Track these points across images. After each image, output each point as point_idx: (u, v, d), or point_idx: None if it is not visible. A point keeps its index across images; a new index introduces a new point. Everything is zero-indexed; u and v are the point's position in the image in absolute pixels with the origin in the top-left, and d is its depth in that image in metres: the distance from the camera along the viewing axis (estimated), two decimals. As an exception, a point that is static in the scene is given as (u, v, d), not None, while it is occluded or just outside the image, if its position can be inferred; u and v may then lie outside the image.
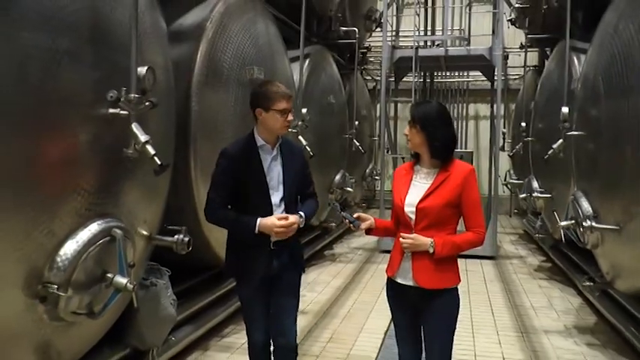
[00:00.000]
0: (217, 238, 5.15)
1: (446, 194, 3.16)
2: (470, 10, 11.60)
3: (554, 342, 5.55)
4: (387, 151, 12.30)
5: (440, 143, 3.17)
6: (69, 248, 2.78)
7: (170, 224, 4.12)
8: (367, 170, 13.01)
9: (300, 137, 6.55)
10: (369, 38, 13.16)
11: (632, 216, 4.59)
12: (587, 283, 5.64)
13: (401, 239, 3.18)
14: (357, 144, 10.55)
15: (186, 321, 5.03)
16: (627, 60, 4.51)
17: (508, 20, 11.75)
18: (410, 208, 3.20)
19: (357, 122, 10.50)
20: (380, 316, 6.26)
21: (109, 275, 2.99)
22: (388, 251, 10.02)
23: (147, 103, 2.98)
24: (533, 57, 12.35)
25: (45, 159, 2.64)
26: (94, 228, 2.93)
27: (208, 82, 4.95)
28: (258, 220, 3.37)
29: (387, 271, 3.36)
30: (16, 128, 2.47)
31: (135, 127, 2.94)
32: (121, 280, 2.98)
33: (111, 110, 2.89)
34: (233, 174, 3.45)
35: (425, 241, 3.13)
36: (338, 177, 9.52)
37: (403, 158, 15.31)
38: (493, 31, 10.43)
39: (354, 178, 10.73)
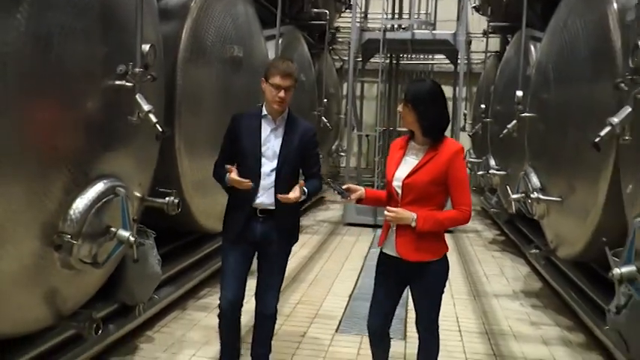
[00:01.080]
0: (198, 205, 5.54)
1: (431, 171, 3.23)
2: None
3: (502, 304, 6.13)
4: (353, 129, 12.76)
5: (430, 122, 3.24)
6: (80, 203, 3.15)
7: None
8: (333, 147, 13.46)
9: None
10: (339, 19, 13.55)
11: (573, 190, 5.16)
12: (534, 251, 6.24)
13: (385, 211, 3.26)
14: (325, 121, 10.97)
15: (167, 282, 5.38)
16: (573, 51, 5.04)
17: (473, 7, 12.29)
18: (397, 182, 3.29)
19: (325, 100, 10.90)
20: (344, 281, 6.75)
21: (113, 229, 3.37)
22: (352, 224, 10.60)
23: (148, 77, 3.35)
24: (495, 43, 12.91)
25: (63, 126, 3.01)
26: (100, 186, 3.30)
27: (192, 59, 5.27)
28: (227, 174, 3.54)
29: (378, 242, 3.53)
30: (40, 96, 2.83)
31: (139, 98, 3.31)
32: (124, 233, 3.37)
33: (118, 82, 3.25)
34: (234, 136, 3.70)
35: (408, 215, 3.19)
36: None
37: (367, 136, 15.92)
38: (458, 17, 10.93)
39: (322, 153, 11.15)
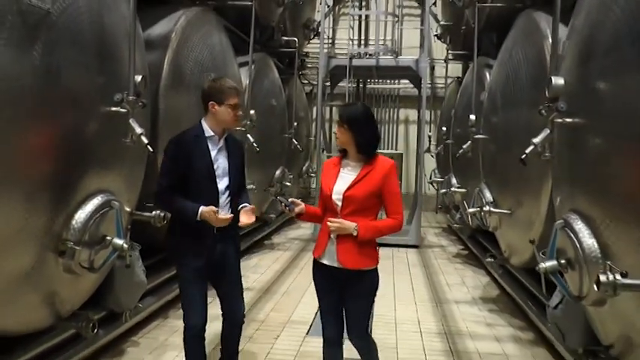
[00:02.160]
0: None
1: (369, 185, 3.47)
2: (401, 24, 12.71)
3: (461, 309, 6.64)
4: (323, 151, 13.28)
5: (365, 140, 3.49)
6: (81, 215, 3.58)
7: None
8: (304, 168, 13.95)
9: (248, 135, 7.44)
10: (307, 45, 14.14)
11: (520, 203, 5.73)
12: (489, 259, 6.78)
13: (328, 223, 3.44)
14: (296, 143, 11.46)
15: (149, 292, 5.76)
16: (516, 80, 5.65)
17: (435, 35, 13.00)
18: (337, 195, 3.50)
19: (295, 123, 11.42)
20: (313, 293, 7.10)
21: (109, 238, 3.79)
22: None
23: (140, 104, 3.81)
24: (458, 69, 13.65)
25: (68, 148, 3.45)
26: (97, 200, 3.73)
27: (173, 86, 5.74)
28: (200, 208, 3.51)
29: (313, 253, 3.67)
30: (51, 122, 3.28)
31: (132, 122, 3.77)
32: (119, 241, 3.79)
33: (114, 108, 3.71)
34: (182, 161, 3.59)
35: (350, 225, 3.41)
36: (278, 172, 10.41)
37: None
38: (421, 45, 11.58)
39: (292, 174, 11.64)
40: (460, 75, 13.54)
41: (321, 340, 3.80)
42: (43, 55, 3.15)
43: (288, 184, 10.70)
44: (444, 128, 11.14)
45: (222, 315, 3.98)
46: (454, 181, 9.89)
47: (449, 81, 13.82)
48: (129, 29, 3.85)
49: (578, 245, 3.21)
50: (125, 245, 3.80)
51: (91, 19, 3.67)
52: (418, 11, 14.70)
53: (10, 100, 2.97)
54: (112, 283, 4.73)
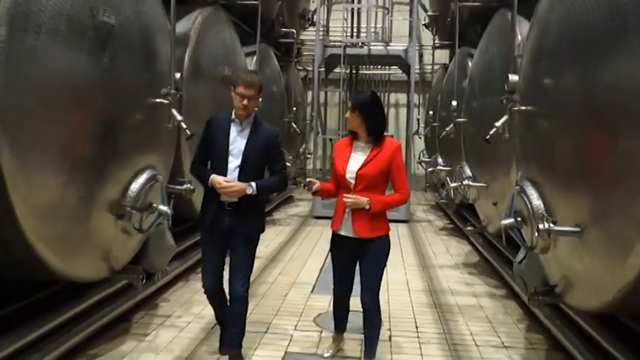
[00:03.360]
0: (197, 195, 6.84)
1: (379, 164, 3.86)
2: (391, 16, 13.54)
3: (445, 272, 7.58)
4: (318, 134, 14.15)
5: (373, 124, 3.89)
6: (134, 186, 4.46)
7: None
8: (300, 150, 14.82)
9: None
10: (303, 33, 14.95)
11: (495, 178, 6.64)
12: (469, 228, 7.71)
13: (344, 198, 3.87)
14: (295, 126, 12.32)
15: (174, 258, 6.64)
16: (490, 70, 6.53)
17: (423, 24, 13.84)
18: (350, 174, 3.91)
19: (294, 108, 12.28)
20: (315, 259, 8.09)
21: (154, 205, 4.67)
22: (320, 217, 12.10)
23: (178, 96, 4.68)
24: (445, 55, 14.49)
25: (125, 132, 4.33)
26: (146, 174, 4.61)
27: (193, 77, 6.57)
28: (212, 175, 3.97)
29: (331, 226, 4.11)
30: (111, 111, 4.15)
31: (173, 111, 4.64)
32: (163, 208, 4.67)
33: (158, 100, 4.58)
34: (207, 139, 4.11)
35: (363, 200, 3.83)
36: (278, 154, 11.26)
37: (331, 140, 17.35)
38: (410, 34, 12.43)
39: (291, 155, 12.51)
40: (447, 61, 14.41)
41: (324, 296, 4.58)
42: (109, 59, 4.01)
43: (288, 164, 11.54)
44: (431, 112, 12.04)
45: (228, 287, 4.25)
46: (440, 160, 10.82)
47: (436, 67, 14.67)
48: (170, 36, 4.70)
49: (529, 205, 4.12)
50: (169, 211, 4.67)
51: (139, 28, 4.53)
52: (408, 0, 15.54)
53: (87, 94, 3.84)
54: (147, 247, 5.60)
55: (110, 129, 4.19)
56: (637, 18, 3.00)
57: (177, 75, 4.64)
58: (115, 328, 4.98)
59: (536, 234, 3.67)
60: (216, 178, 3.95)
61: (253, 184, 3.97)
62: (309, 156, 15.06)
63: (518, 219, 4.30)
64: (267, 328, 5.22)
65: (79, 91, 3.81)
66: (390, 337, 5.07)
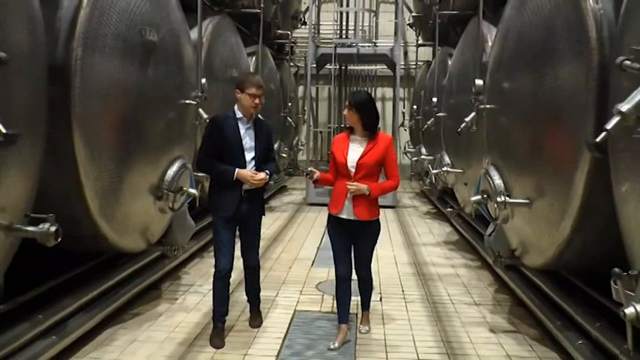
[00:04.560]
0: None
1: (376, 155, 4.37)
2: (377, 18, 14.50)
3: (428, 249, 8.60)
4: (311, 127, 15.11)
5: (369, 120, 4.39)
6: (170, 171, 5.42)
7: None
8: (293, 142, 15.79)
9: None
10: (295, 32, 15.89)
11: (469, 165, 7.65)
12: (449, 210, 8.73)
13: (347, 185, 4.35)
14: (290, 120, 13.29)
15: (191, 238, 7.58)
16: (466, 73, 7.52)
17: (408, 24, 14.82)
18: (351, 163, 4.40)
19: (289, 104, 13.24)
20: (312, 240, 9.07)
21: (185, 188, 5.63)
22: (314, 204, 13.15)
23: (204, 98, 5.64)
24: (429, 51, 15.46)
25: (165, 128, 5.30)
26: (178, 162, 5.57)
27: (207, 79, 7.50)
28: (236, 169, 4.45)
29: (331, 209, 4.54)
30: (155, 111, 5.11)
31: (200, 110, 5.60)
32: (192, 191, 5.63)
33: (188, 101, 5.54)
34: (216, 136, 4.55)
35: (364, 186, 4.33)
36: (276, 146, 12.22)
37: (321, 132, 18.32)
38: (395, 33, 13.40)
39: (286, 147, 13.48)
40: (430, 58, 15.41)
41: (323, 269, 5.39)
42: (152, 69, 4.97)
43: (284, 155, 12.52)
44: (415, 106, 13.03)
45: (243, 261, 4.94)
46: (423, 150, 11.83)
47: (420, 64, 15.66)
48: (197, 47, 5.65)
49: (492, 184, 5.14)
50: (197, 193, 5.62)
51: (172, 42, 5.48)
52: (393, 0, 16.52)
53: (138, 98, 4.80)
54: (171, 225, 6.54)
55: (153, 126, 5.15)
56: (564, 40, 4.02)
57: (203, 80, 5.59)
58: (149, 295, 5.91)
59: (496, 206, 4.69)
60: (245, 172, 4.47)
61: (267, 171, 4.62)
62: (301, 147, 16.02)
63: (485, 196, 5.30)
64: (277, 293, 6.19)
65: (132, 95, 4.76)
66: (380, 298, 6.06)
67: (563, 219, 4.12)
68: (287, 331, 5.06)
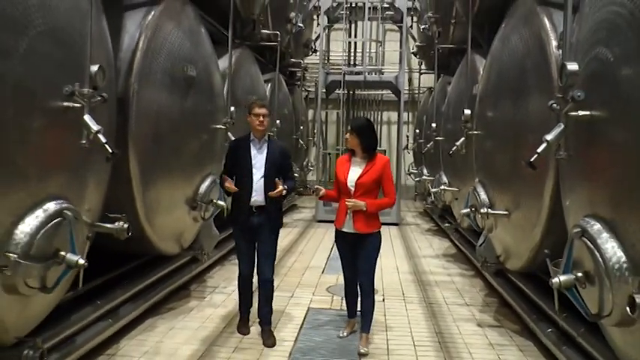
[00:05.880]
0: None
1: (373, 175, 4.79)
2: (383, 48, 15.49)
3: (427, 260, 9.43)
4: (320, 149, 16.03)
5: (368, 144, 4.84)
6: (203, 186, 6.31)
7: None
8: (304, 163, 16.69)
9: (275, 137, 10.20)
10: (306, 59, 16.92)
11: (464, 184, 8.52)
12: (447, 225, 9.58)
13: (346, 202, 4.78)
14: (302, 142, 14.21)
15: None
16: (459, 102, 8.43)
17: (412, 52, 15.79)
18: (351, 182, 4.84)
19: (301, 127, 14.18)
20: (322, 252, 9.91)
21: (214, 200, 6.50)
22: (322, 221, 14.10)
23: (233, 123, 6.55)
24: (432, 79, 16.39)
25: (198, 149, 6.22)
26: (210, 179, 6.46)
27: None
28: (222, 177, 5.07)
29: (335, 224, 5.01)
30: (192, 135, 6.04)
31: (229, 133, 6.51)
32: (221, 203, 6.50)
33: (217, 126, 6.45)
34: (231, 156, 5.13)
35: (361, 203, 4.75)
36: (288, 166, 13.15)
37: (329, 154, 19.23)
38: (400, 61, 14.34)
39: (297, 167, 14.38)
40: (433, 84, 16.35)
41: (332, 276, 6.22)
42: (191, 99, 5.90)
43: (296, 175, 13.38)
44: (417, 130, 13.94)
45: (257, 274, 5.25)
46: (425, 171, 12.72)
47: (423, 89, 16.62)
48: (227, 81, 6.58)
49: (478, 199, 6.00)
50: (224, 205, 6.49)
51: (206, 75, 6.42)
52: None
53: (180, 124, 5.72)
54: (199, 234, 7.39)
55: (190, 146, 6.06)
56: (533, 77, 4.92)
57: (232, 108, 6.52)
58: (180, 294, 6.76)
59: (480, 217, 5.56)
60: (226, 181, 5.01)
61: (286, 186, 5.00)
62: (311, 168, 16.93)
63: (472, 209, 6.16)
64: (292, 294, 7.03)
65: (174, 121, 5.68)
66: (383, 299, 6.89)
67: (535, 227, 4.97)
68: (302, 323, 5.89)
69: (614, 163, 2.94)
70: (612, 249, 2.79)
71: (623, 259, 2.73)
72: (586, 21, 3.42)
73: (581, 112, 3.21)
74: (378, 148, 5.17)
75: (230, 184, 4.97)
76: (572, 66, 3.26)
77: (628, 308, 2.35)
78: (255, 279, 5.34)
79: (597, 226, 3.00)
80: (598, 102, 3.11)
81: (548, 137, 3.38)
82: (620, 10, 2.85)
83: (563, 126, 3.35)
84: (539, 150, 3.45)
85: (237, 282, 5.45)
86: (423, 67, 15.92)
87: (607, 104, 3.01)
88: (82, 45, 3.54)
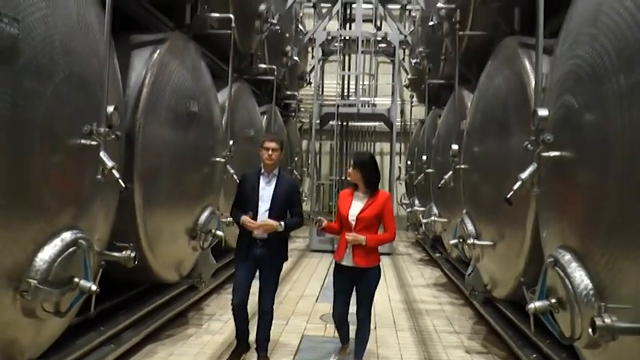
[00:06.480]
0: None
1: (374, 210, 4.83)
2: (376, 81, 15.95)
3: (418, 290, 9.67)
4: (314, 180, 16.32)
5: (370, 179, 4.87)
6: (202, 216, 6.58)
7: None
8: (298, 193, 16.98)
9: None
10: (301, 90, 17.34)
11: (454, 215, 8.81)
12: (437, 255, 9.85)
13: (346, 236, 4.80)
14: (297, 173, 14.51)
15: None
16: (449, 135, 8.78)
17: (404, 85, 16.24)
18: (352, 217, 4.88)
19: (296, 158, 14.50)
20: (316, 281, 10.13)
21: (213, 231, 6.77)
22: (317, 251, 14.47)
23: (231, 157, 6.85)
24: (423, 110, 16.83)
25: (200, 180, 6.52)
26: (210, 209, 6.74)
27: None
28: (242, 216, 5.04)
29: (335, 257, 5.04)
30: (195, 166, 6.34)
31: (228, 166, 6.81)
32: (220, 233, 6.77)
33: (217, 159, 6.76)
34: (240, 189, 5.30)
35: (361, 237, 4.77)
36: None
37: (323, 184, 19.55)
38: (393, 93, 14.77)
39: (292, 198, 14.65)
40: (424, 116, 16.75)
41: (326, 304, 6.11)
42: (194, 133, 6.21)
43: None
44: (409, 162, 14.28)
45: (257, 304, 5.34)
46: (417, 202, 13.01)
47: (415, 121, 17.02)
48: (227, 117, 6.91)
49: (465, 230, 6.30)
50: (222, 235, 6.75)
51: (207, 110, 6.74)
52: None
53: (182, 157, 6.03)
54: (197, 262, 7.63)
55: (191, 179, 6.35)
56: (514, 115, 5.27)
57: (231, 142, 6.84)
58: (178, 321, 6.96)
59: (467, 247, 5.85)
60: (244, 218, 5.01)
61: (282, 222, 5.04)
62: (304, 198, 17.20)
63: (460, 239, 6.45)
64: (287, 322, 7.24)
65: (176, 154, 5.98)
66: (375, 327, 7.11)
67: (518, 257, 5.25)
68: (297, 349, 6.12)
69: (580, 200, 3.26)
70: (580, 277, 3.09)
71: (590, 286, 3.02)
72: (557, 69, 3.76)
73: (552, 153, 3.54)
74: None
75: (246, 219, 5.01)
76: (543, 112, 3.59)
77: (590, 330, 2.62)
78: (249, 307, 5.43)
79: (568, 256, 3.29)
80: (566, 145, 3.44)
81: (523, 176, 3.71)
82: (582, 63, 3.20)
83: (536, 165, 3.68)
84: (514, 187, 3.77)
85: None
86: (414, 99, 16.30)
87: (572, 147, 3.34)
88: (99, 86, 3.85)
